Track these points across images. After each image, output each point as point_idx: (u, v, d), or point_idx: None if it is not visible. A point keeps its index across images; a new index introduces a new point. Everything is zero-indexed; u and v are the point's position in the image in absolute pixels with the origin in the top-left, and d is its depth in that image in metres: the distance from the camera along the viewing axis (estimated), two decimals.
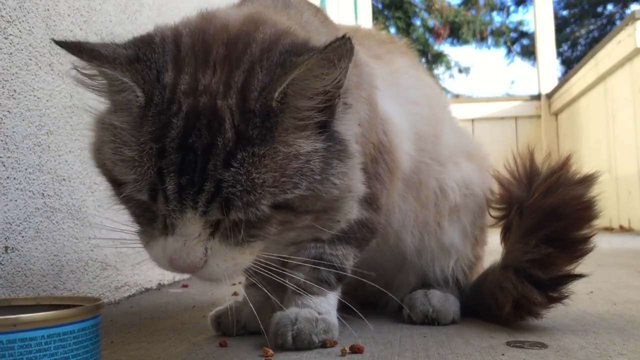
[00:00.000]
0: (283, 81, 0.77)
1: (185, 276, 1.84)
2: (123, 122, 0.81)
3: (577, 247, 1.21)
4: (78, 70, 0.82)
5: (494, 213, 1.36)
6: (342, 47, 0.76)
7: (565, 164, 1.28)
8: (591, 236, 1.22)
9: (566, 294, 1.21)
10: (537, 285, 1.20)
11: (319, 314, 1.09)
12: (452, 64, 13.38)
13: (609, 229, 5.35)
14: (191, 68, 0.80)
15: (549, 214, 1.21)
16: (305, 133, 0.81)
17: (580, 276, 1.22)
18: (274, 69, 0.79)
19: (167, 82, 0.79)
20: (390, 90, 1.25)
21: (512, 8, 14.77)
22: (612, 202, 5.39)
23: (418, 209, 1.32)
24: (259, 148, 0.76)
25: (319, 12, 1.18)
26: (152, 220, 0.83)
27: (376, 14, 12.36)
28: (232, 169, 0.75)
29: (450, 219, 1.35)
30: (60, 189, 1.47)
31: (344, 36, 0.75)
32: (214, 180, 0.75)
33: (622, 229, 5.05)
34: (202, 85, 0.78)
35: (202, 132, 0.75)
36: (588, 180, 1.25)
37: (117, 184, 0.83)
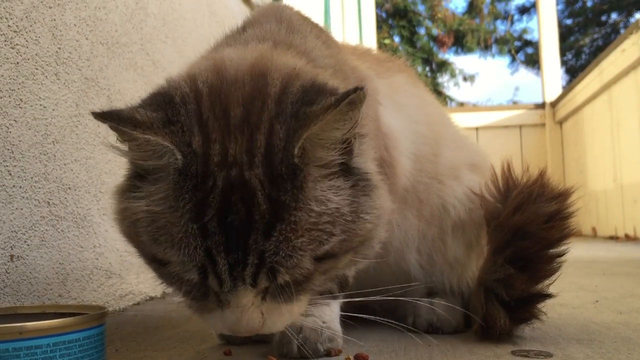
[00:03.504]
0: (300, 136, 0.76)
1: None
2: (157, 195, 0.79)
3: (540, 268, 1.17)
4: (120, 140, 0.80)
5: None
6: (355, 100, 0.76)
7: (539, 178, 1.24)
8: (558, 255, 1.18)
9: (535, 315, 1.19)
10: (504, 305, 1.17)
11: (323, 322, 1.08)
12: (457, 72, 13.40)
13: (614, 238, 5.33)
14: (218, 135, 0.78)
15: (515, 232, 1.18)
16: (331, 182, 0.81)
17: (547, 296, 1.18)
18: (289, 122, 0.78)
19: (197, 150, 0.77)
20: (391, 106, 1.26)
21: (516, 17, 14.80)
22: (617, 211, 5.37)
23: (423, 227, 1.31)
24: (294, 212, 0.76)
25: (322, 32, 1.17)
26: (204, 295, 0.82)
27: (380, 23, 12.40)
28: (272, 238, 0.75)
29: (454, 234, 1.33)
30: (65, 198, 1.48)
31: (356, 88, 0.75)
32: (256, 252, 0.75)
33: (628, 238, 5.03)
34: (231, 156, 0.76)
35: (238, 208, 0.75)
36: (560, 197, 1.21)
37: (157, 262, 0.81)
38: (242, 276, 0.77)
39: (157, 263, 0.82)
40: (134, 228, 0.82)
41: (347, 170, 0.83)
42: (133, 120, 0.76)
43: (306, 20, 1.18)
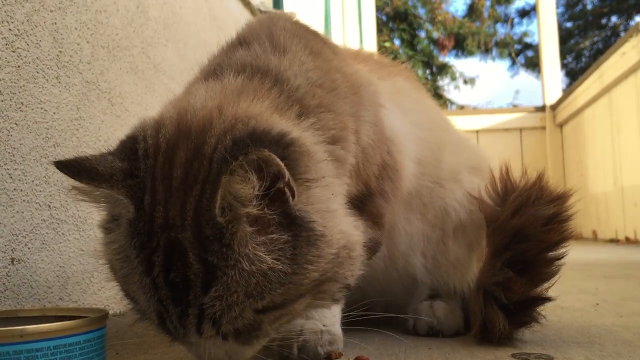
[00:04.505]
0: (217, 196, 0.76)
1: None
2: (118, 242, 0.83)
3: (539, 271, 1.17)
4: (78, 190, 0.83)
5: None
6: (247, 162, 0.74)
7: (537, 181, 1.24)
8: (557, 258, 1.18)
9: (534, 318, 1.19)
10: (503, 309, 1.17)
11: (324, 325, 1.09)
12: (457, 75, 13.42)
13: (614, 241, 5.33)
14: (162, 197, 0.80)
15: (514, 235, 1.18)
16: (265, 237, 0.79)
17: (546, 300, 1.18)
18: (214, 182, 0.77)
19: (146, 209, 0.80)
20: (396, 110, 1.26)
21: (516, 20, 14.83)
22: (617, 214, 5.37)
23: (427, 230, 1.31)
24: (226, 270, 0.77)
25: (314, 41, 1.14)
26: (171, 331, 0.85)
27: (380, 26, 12.42)
28: (209, 294, 0.77)
29: (455, 236, 1.34)
30: (66, 201, 1.48)
31: (247, 151, 0.74)
32: (196, 306, 0.78)
33: (628, 241, 5.04)
34: (171, 219, 0.79)
35: (178, 267, 0.78)
36: (559, 200, 1.21)
37: (130, 298, 0.87)
38: (187, 326, 0.80)
39: (130, 299, 0.87)
40: (111, 269, 0.88)
41: (286, 221, 0.80)
42: (92, 172, 0.80)
43: (299, 30, 1.15)
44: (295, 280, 0.80)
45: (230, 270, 0.77)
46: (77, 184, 0.81)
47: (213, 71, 1.04)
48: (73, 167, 0.80)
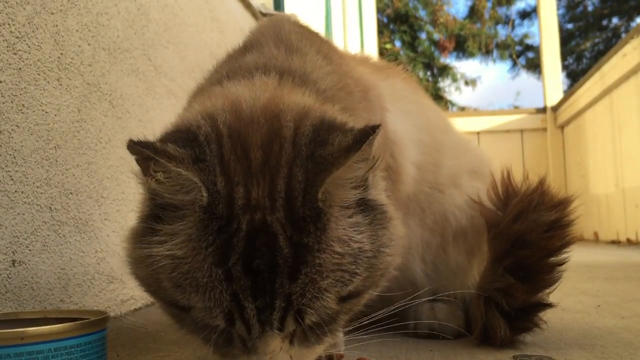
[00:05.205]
0: (323, 180, 0.75)
1: None
2: (179, 237, 0.78)
3: (540, 278, 1.17)
4: (142, 175, 0.78)
5: None
6: (373, 140, 0.76)
7: (539, 187, 1.24)
8: (558, 264, 1.18)
9: (536, 324, 1.19)
10: (504, 315, 1.17)
11: None
12: (458, 76, 13.43)
13: (616, 242, 5.33)
14: (241, 178, 0.77)
15: (515, 241, 1.18)
16: (352, 219, 0.80)
17: (547, 306, 1.18)
18: (307, 165, 0.77)
19: (221, 191, 0.76)
20: (397, 113, 1.26)
21: (517, 21, 14.83)
22: (619, 215, 5.37)
23: (427, 235, 1.31)
24: (318, 254, 0.75)
25: (323, 44, 1.15)
26: (228, 342, 0.81)
27: (381, 27, 12.42)
28: (298, 281, 0.74)
29: (455, 242, 1.33)
30: (67, 203, 1.48)
31: (374, 127, 0.76)
32: (283, 296, 0.74)
33: (630, 242, 5.03)
34: (254, 199, 0.76)
35: (263, 252, 0.74)
36: (560, 205, 1.20)
37: (179, 308, 0.80)
38: (270, 321, 0.75)
39: (178, 309, 0.80)
40: (154, 275, 0.80)
41: (364, 205, 0.82)
42: (167, 153, 0.75)
43: (305, 33, 1.16)
44: (375, 264, 0.80)
45: (322, 254, 0.75)
46: (142, 169, 0.77)
47: (226, 76, 1.03)
48: (151, 146, 0.75)
